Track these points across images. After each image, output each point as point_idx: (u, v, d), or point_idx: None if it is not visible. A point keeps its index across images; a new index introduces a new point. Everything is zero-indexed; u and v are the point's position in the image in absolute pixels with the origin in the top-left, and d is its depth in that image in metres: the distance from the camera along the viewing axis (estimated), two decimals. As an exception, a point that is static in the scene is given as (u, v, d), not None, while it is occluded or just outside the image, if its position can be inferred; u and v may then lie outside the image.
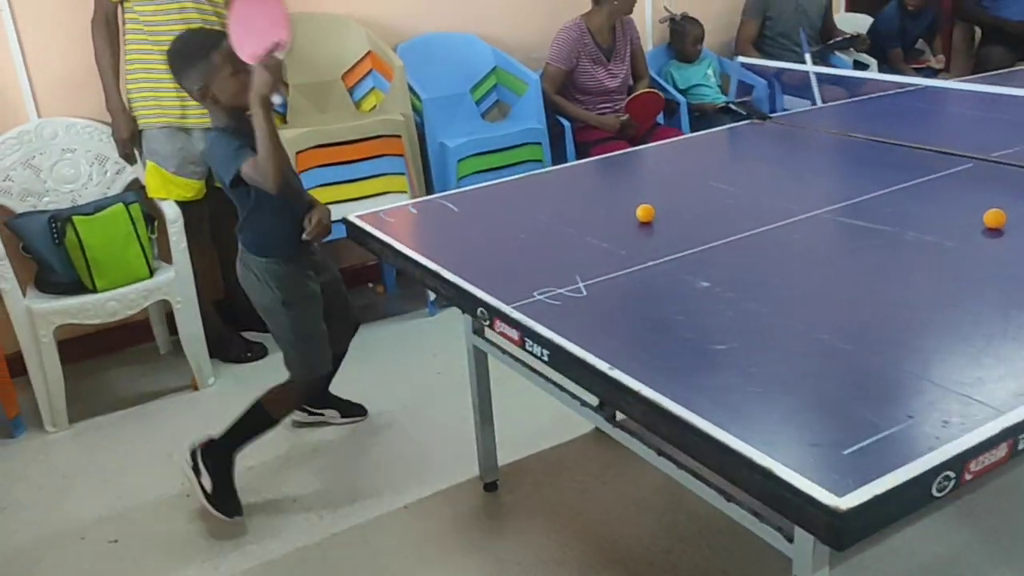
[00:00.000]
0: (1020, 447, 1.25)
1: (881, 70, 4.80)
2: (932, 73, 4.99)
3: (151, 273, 3.07)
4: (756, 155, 2.86)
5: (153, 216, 3.17)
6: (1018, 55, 5.06)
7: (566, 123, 3.95)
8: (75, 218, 2.94)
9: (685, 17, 4.45)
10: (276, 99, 2.11)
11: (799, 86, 4.39)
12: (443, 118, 3.75)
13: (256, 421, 2.42)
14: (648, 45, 4.51)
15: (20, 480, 2.74)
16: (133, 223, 3.01)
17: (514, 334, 1.67)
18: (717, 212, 2.23)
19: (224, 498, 2.39)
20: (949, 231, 1.96)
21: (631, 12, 4.03)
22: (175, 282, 3.08)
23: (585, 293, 1.76)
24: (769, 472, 1.18)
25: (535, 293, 1.75)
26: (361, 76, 3.76)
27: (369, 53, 3.73)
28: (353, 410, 2.93)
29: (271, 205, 2.24)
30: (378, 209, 2.39)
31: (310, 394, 2.60)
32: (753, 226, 2.06)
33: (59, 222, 2.95)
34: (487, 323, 1.77)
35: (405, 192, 3.50)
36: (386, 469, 2.66)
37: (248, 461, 2.50)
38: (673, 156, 2.93)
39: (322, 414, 2.87)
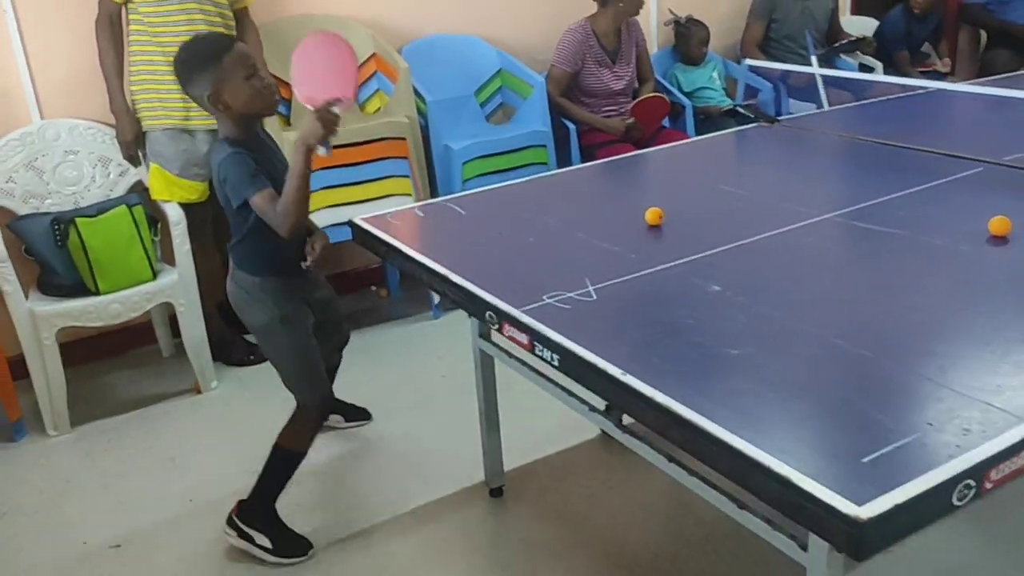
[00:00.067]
0: (1042, 455, 1.22)
1: (886, 73, 4.78)
2: (938, 76, 4.97)
3: (154, 275, 3.05)
4: (765, 158, 2.84)
5: (156, 218, 3.15)
6: (1024, 59, 5.04)
7: (571, 126, 3.93)
8: (78, 220, 2.92)
9: (690, 20, 4.44)
10: (321, 151, 2.02)
11: (804, 89, 4.38)
12: (448, 120, 3.73)
13: (282, 464, 2.29)
14: (653, 48, 4.50)
15: (21, 484, 2.72)
16: (136, 225, 2.99)
17: (523, 338, 1.65)
18: (727, 215, 2.21)
19: (287, 545, 2.30)
20: (962, 235, 1.93)
21: (637, 14, 4.01)
22: (178, 285, 3.06)
23: (595, 297, 1.74)
24: (786, 480, 1.16)
25: (544, 297, 1.73)
26: (365, 78, 3.74)
27: (373, 55, 3.71)
28: (358, 414, 2.90)
29: (271, 230, 2.11)
30: (384, 212, 2.38)
31: (325, 413, 2.40)
32: (764, 229, 2.04)
33: (62, 224, 2.93)
34: (496, 327, 1.74)
35: (410, 195, 3.48)
36: (390, 474, 2.64)
37: (253, 465, 2.46)
38: (681, 159, 2.91)
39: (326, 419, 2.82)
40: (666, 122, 4.12)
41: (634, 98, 4.07)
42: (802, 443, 1.28)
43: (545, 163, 3.75)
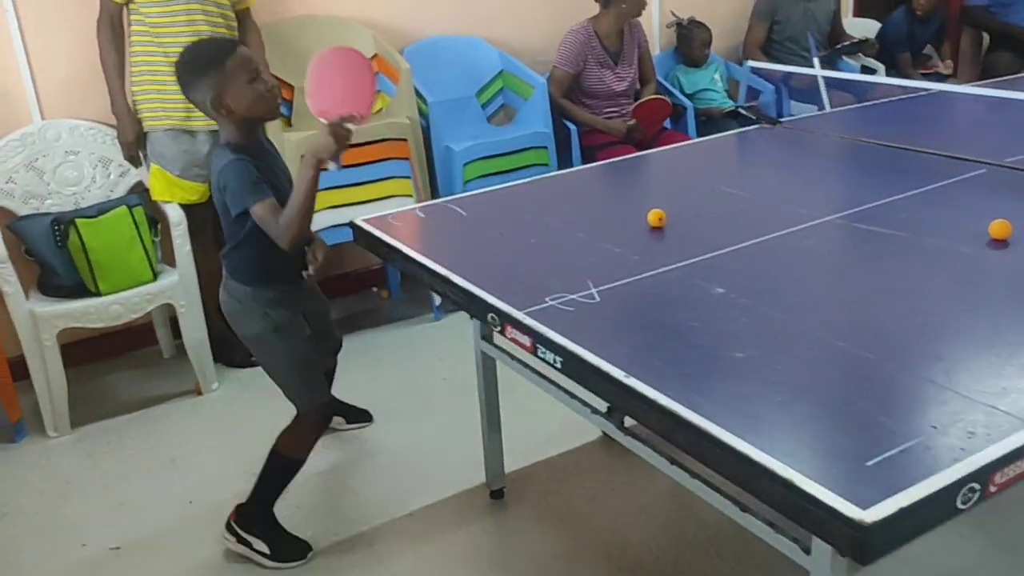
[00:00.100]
0: (1047, 458, 1.22)
1: (888, 75, 4.78)
2: (940, 78, 4.96)
3: (155, 276, 3.04)
4: (767, 160, 2.84)
5: (157, 219, 3.14)
6: (1026, 61, 5.04)
7: (572, 127, 3.93)
8: (78, 221, 2.91)
9: (692, 21, 4.43)
10: (331, 166, 1.99)
11: (806, 91, 4.37)
12: (449, 121, 3.72)
13: (280, 471, 2.28)
14: (655, 49, 4.49)
15: (21, 485, 2.71)
16: (137, 226, 2.99)
17: (526, 340, 1.65)
18: (730, 217, 2.20)
19: (285, 549, 2.29)
20: (965, 237, 1.93)
21: (639, 15, 4.01)
22: (179, 286, 3.06)
23: (598, 299, 1.73)
24: (790, 483, 1.15)
25: (547, 299, 1.73)
26: (367, 79, 3.74)
27: (375, 56, 3.70)
28: (359, 416, 2.90)
29: (267, 239, 2.06)
30: (385, 213, 2.37)
31: (324, 421, 2.34)
32: (767, 231, 2.03)
33: (62, 225, 2.93)
34: (498, 329, 1.74)
35: (411, 196, 3.47)
36: (391, 476, 2.63)
37: (253, 467, 2.46)
38: (683, 161, 2.91)
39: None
40: (667, 124, 4.11)
41: (636, 99, 4.06)
42: (806, 446, 1.27)
43: (546, 164, 3.74)
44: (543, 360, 1.61)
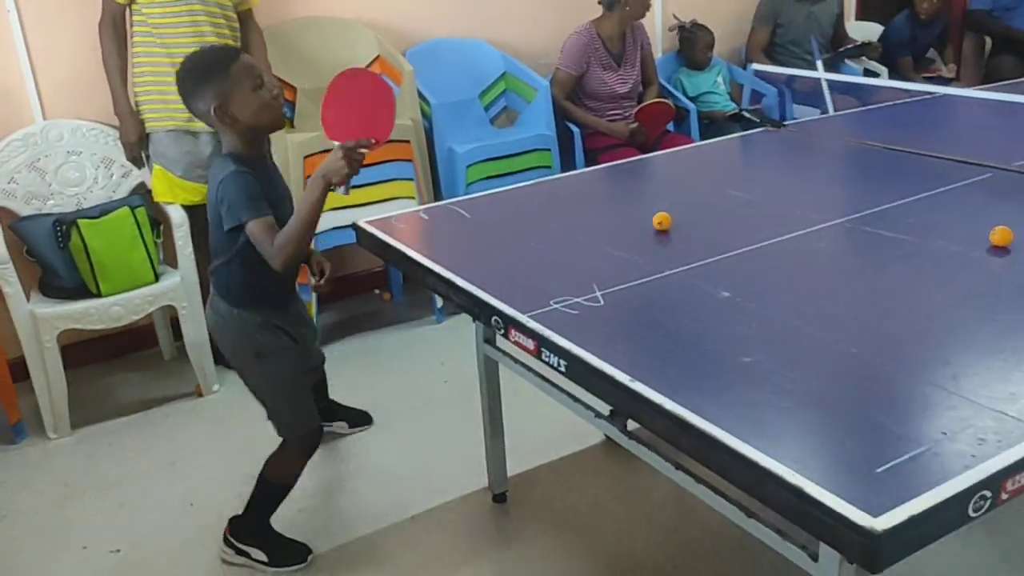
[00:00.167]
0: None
1: (891, 79, 4.77)
2: (943, 82, 4.96)
3: (156, 278, 3.03)
4: (772, 163, 2.82)
5: (159, 220, 3.14)
6: (1029, 65, 5.03)
7: (575, 129, 3.92)
8: (80, 221, 2.91)
9: (695, 24, 4.42)
10: (339, 189, 1.94)
11: (809, 94, 4.36)
12: (452, 124, 3.72)
13: (269, 494, 2.26)
14: (657, 52, 4.48)
15: (21, 487, 2.70)
16: (139, 227, 2.98)
17: (530, 344, 1.63)
18: (736, 220, 2.19)
19: (284, 554, 2.27)
20: (973, 242, 1.91)
21: (643, 17, 4.00)
22: (180, 287, 3.04)
23: (603, 302, 1.72)
24: (800, 490, 1.14)
25: (551, 302, 1.71)
26: (369, 81, 3.73)
27: (378, 57, 3.70)
28: (360, 419, 2.88)
29: (258, 257, 1.99)
30: (389, 215, 2.36)
31: (311, 448, 2.27)
32: (773, 235, 2.02)
33: (64, 225, 2.92)
34: (501, 332, 1.73)
35: (413, 198, 3.46)
36: (392, 479, 2.61)
37: (254, 470, 2.45)
38: (688, 163, 2.90)
39: (330, 426, 2.79)
40: (670, 126, 4.10)
41: (639, 102, 4.06)
42: (814, 452, 1.26)
43: (549, 167, 3.73)
44: (547, 364, 1.60)
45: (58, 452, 2.89)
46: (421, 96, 3.65)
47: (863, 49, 4.65)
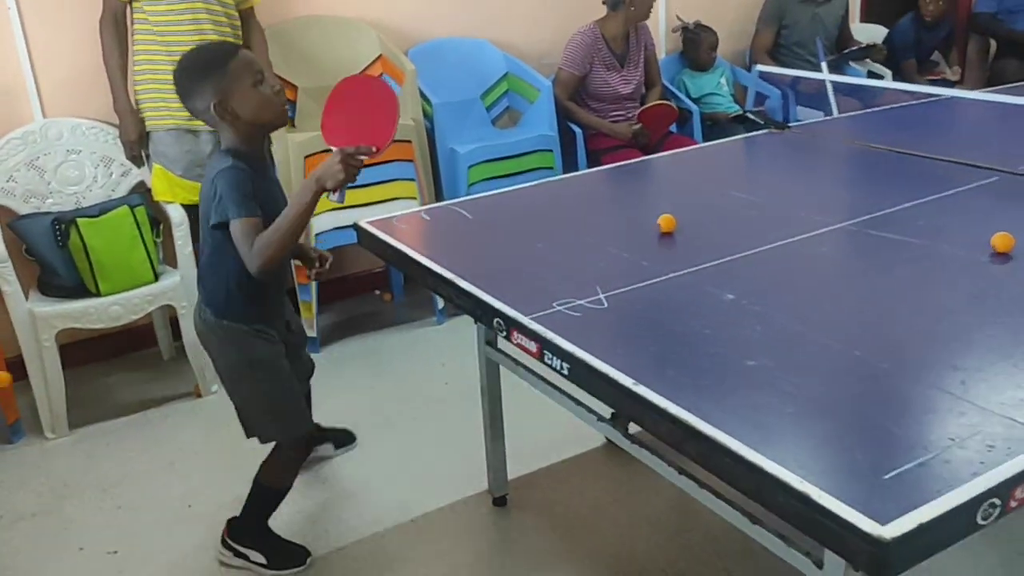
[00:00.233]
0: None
1: (895, 81, 4.75)
2: (948, 85, 4.94)
3: (156, 277, 3.01)
4: (777, 165, 2.81)
5: (158, 219, 3.12)
6: (1033, 68, 5.01)
7: (578, 130, 3.90)
8: (79, 220, 2.89)
9: (698, 25, 4.41)
10: (333, 196, 1.88)
11: (813, 95, 4.34)
12: (454, 124, 3.70)
13: (264, 498, 2.24)
14: (661, 53, 4.46)
15: (18, 487, 2.68)
16: (138, 226, 2.96)
17: (532, 346, 1.61)
18: (740, 223, 2.17)
19: (283, 556, 2.25)
20: (980, 246, 1.89)
21: (647, 18, 3.98)
22: (180, 287, 3.03)
23: (606, 305, 1.70)
24: (806, 497, 1.12)
25: (554, 304, 1.70)
26: (371, 81, 3.72)
27: (380, 57, 3.68)
28: (345, 438, 2.76)
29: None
30: (390, 215, 2.34)
31: (303, 453, 2.26)
32: (778, 237, 2.00)
33: (63, 224, 2.90)
34: (503, 334, 1.71)
35: (415, 198, 3.45)
36: (392, 482, 2.60)
37: (253, 471, 2.44)
38: (692, 165, 2.88)
39: (315, 450, 2.61)
40: (673, 128, 4.09)
41: (641, 103, 4.04)
42: (821, 458, 1.24)
43: (551, 168, 3.72)
44: (550, 366, 1.58)
45: (56, 452, 2.87)
46: (423, 96, 3.63)
47: (868, 51, 4.63)
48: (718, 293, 1.73)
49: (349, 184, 1.88)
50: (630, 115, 3.97)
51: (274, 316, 2.13)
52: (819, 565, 1.35)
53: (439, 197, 3.62)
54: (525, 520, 2.40)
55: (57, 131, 3.11)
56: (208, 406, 3.10)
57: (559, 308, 1.68)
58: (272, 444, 2.20)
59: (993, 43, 5.43)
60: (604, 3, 3.90)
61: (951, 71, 5.13)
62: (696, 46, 4.40)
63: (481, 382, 2.35)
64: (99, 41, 3.00)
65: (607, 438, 2.45)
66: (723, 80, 4.41)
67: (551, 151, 3.72)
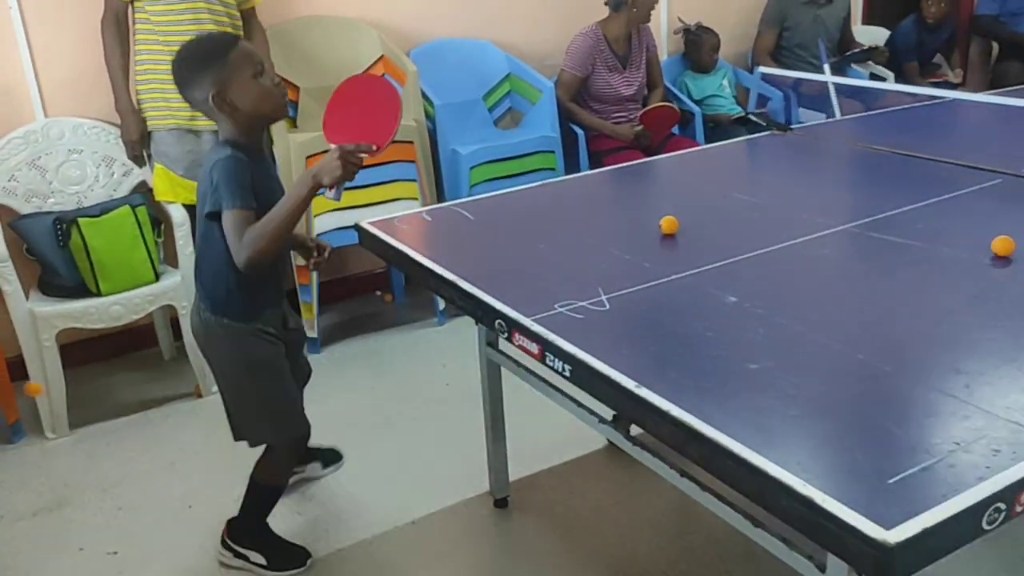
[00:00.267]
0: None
1: (897, 83, 4.74)
2: (949, 87, 4.93)
3: (157, 277, 3.01)
4: (779, 167, 2.80)
5: (160, 219, 3.12)
6: (1035, 71, 5.01)
7: (580, 132, 3.90)
8: (80, 220, 2.89)
9: (700, 27, 4.40)
10: (329, 194, 1.85)
11: (815, 97, 4.33)
12: (455, 125, 3.69)
13: (262, 497, 2.23)
14: (663, 55, 4.46)
15: (18, 487, 2.67)
16: (139, 226, 2.96)
17: (534, 348, 1.61)
18: (743, 224, 2.16)
19: (283, 558, 2.24)
20: (984, 248, 1.88)
21: (649, 20, 3.98)
22: (181, 287, 3.02)
23: (608, 306, 1.70)
24: (810, 501, 1.11)
25: (556, 306, 1.69)
26: (373, 81, 3.71)
27: (382, 57, 3.68)
28: (332, 457, 2.66)
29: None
30: (391, 216, 2.33)
31: (297, 452, 2.27)
32: (781, 239, 2.00)
33: (64, 224, 2.90)
34: (505, 336, 1.70)
35: (416, 199, 3.44)
36: (393, 483, 2.59)
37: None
38: (693, 167, 2.87)
39: (302, 469, 2.57)
40: (675, 130, 4.08)
41: (644, 104, 4.04)
42: (824, 462, 1.23)
43: (553, 169, 3.71)
44: (551, 368, 1.57)
45: (56, 452, 2.87)
46: (425, 97, 3.63)
47: (870, 54, 4.62)
48: (720, 295, 1.73)
49: (347, 184, 1.87)
50: (632, 117, 3.96)
51: (273, 312, 2.10)
52: (822, 569, 1.35)
53: (441, 198, 3.61)
54: (526, 522, 2.40)
55: (59, 131, 3.11)
56: (209, 406, 3.09)
57: (561, 309, 1.68)
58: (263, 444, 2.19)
59: (995, 45, 5.42)
60: (606, 4, 3.90)
61: (953, 73, 5.12)
62: (698, 48, 4.39)
63: (482, 383, 2.34)
64: (101, 40, 3.00)
65: (608, 440, 2.46)
66: (725, 82, 4.41)
67: (553, 152, 3.72)
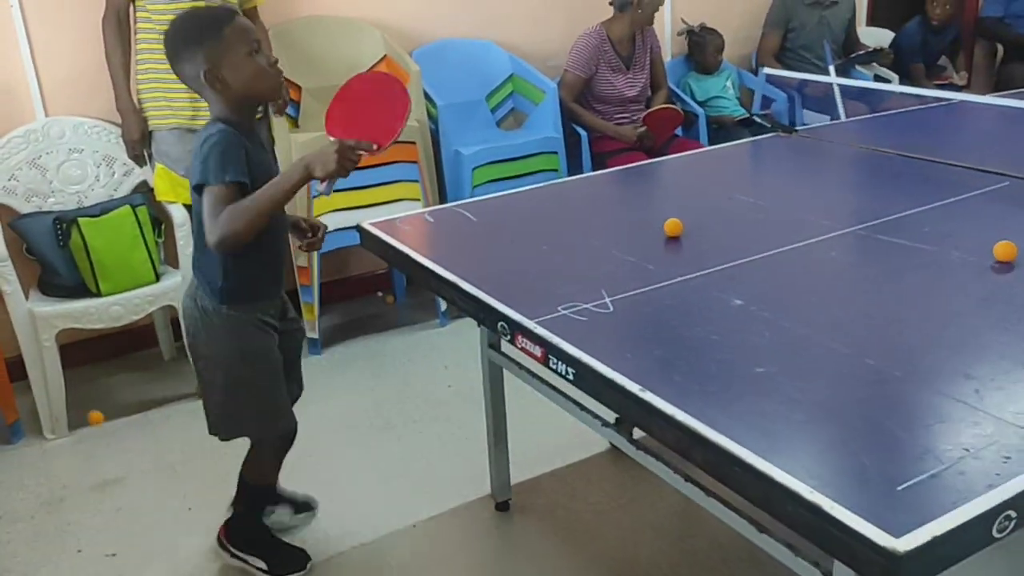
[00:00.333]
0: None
1: (902, 85, 4.73)
2: (954, 90, 4.91)
3: (157, 278, 3.00)
4: (784, 169, 2.78)
5: (160, 219, 3.10)
6: (1041, 74, 4.99)
7: (583, 133, 3.88)
8: (80, 220, 2.87)
9: (704, 28, 4.39)
10: (320, 187, 1.80)
11: (820, 99, 4.32)
12: (458, 125, 3.68)
13: (253, 496, 2.22)
14: (667, 56, 4.44)
15: (17, 488, 2.66)
16: (140, 226, 2.95)
17: (537, 351, 1.59)
18: (748, 227, 2.15)
19: (282, 561, 2.20)
20: (991, 252, 1.85)
21: (652, 22, 3.96)
22: (181, 287, 3.00)
23: (612, 309, 1.68)
24: (818, 508, 1.10)
25: (559, 308, 1.67)
26: (375, 81, 3.70)
27: (384, 57, 3.66)
28: (304, 505, 2.44)
29: (250, 246, 1.83)
30: (393, 217, 2.32)
31: (285, 445, 2.19)
32: (786, 242, 1.98)
33: (64, 224, 2.89)
34: (508, 338, 1.68)
35: (418, 200, 3.43)
36: (394, 486, 2.57)
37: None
38: (698, 168, 2.86)
39: (272, 510, 2.37)
40: (679, 131, 4.06)
41: (647, 106, 4.02)
42: (831, 468, 1.21)
43: (556, 170, 3.70)
44: (554, 371, 1.56)
45: (55, 453, 2.85)
46: (427, 97, 3.61)
47: (875, 55, 4.61)
48: (725, 298, 1.71)
49: (340, 183, 1.82)
50: (635, 118, 3.95)
51: (272, 299, 2.04)
52: (827, 575, 1.33)
53: (443, 199, 3.60)
54: (528, 525, 2.38)
55: (59, 130, 3.10)
56: (209, 408, 3.08)
57: (564, 312, 1.66)
58: (249, 442, 2.17)
59: (1000, 47, 5.41)
60: (611, 4, 3.89)
61: (958, 75, 5.11)
62: (702, 49, 4.38)
63: (484, 385, 2.32)
64: (101, 39, 2.98)
65: (611, 443, 2.44)
66: (729, 83, 4.39)
67: (556, 153, 3.71)
